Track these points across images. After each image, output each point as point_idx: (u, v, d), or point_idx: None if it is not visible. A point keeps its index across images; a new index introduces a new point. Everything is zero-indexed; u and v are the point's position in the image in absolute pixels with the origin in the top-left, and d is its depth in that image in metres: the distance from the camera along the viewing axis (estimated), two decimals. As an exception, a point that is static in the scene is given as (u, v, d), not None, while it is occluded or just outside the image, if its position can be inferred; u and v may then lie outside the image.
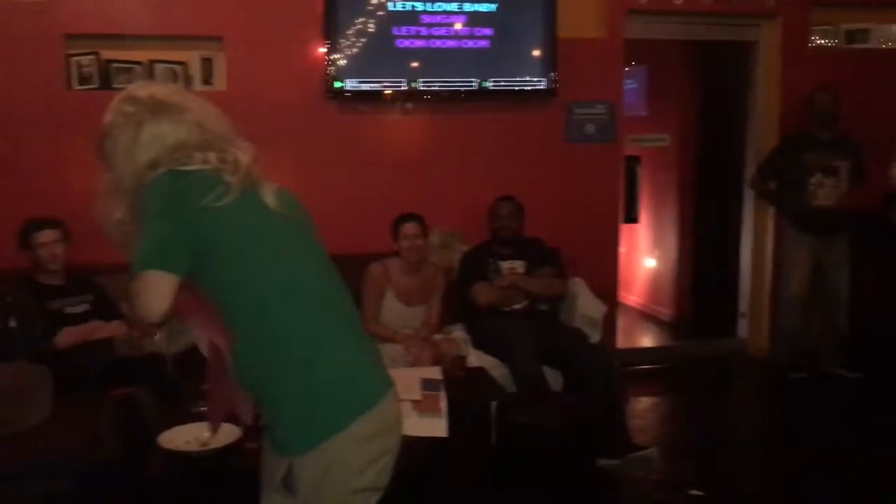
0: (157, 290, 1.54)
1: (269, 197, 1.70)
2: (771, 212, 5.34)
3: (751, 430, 4.51)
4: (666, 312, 6.51)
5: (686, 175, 6.30)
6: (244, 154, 1.70)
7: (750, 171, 5.41)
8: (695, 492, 3.45)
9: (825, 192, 4.86)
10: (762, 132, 5.38)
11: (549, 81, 4.60)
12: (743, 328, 5.67)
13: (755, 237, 5.52)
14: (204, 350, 1.77)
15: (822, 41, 5.37)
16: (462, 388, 3.28)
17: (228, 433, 2.62)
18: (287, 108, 4.30)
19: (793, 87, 5.15)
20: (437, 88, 4.47)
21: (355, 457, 1.62)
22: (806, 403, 4.67)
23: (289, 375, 1.63)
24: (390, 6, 4.36)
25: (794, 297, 5.01)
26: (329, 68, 4.32)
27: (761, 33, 5.31)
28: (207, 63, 4.37)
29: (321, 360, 1.65)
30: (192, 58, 4.34)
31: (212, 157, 1.65)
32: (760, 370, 5.34)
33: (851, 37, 5.38)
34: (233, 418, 2.41)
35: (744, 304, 5.65)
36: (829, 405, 4.56)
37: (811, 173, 4.86)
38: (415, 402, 2.96)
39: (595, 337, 4.14)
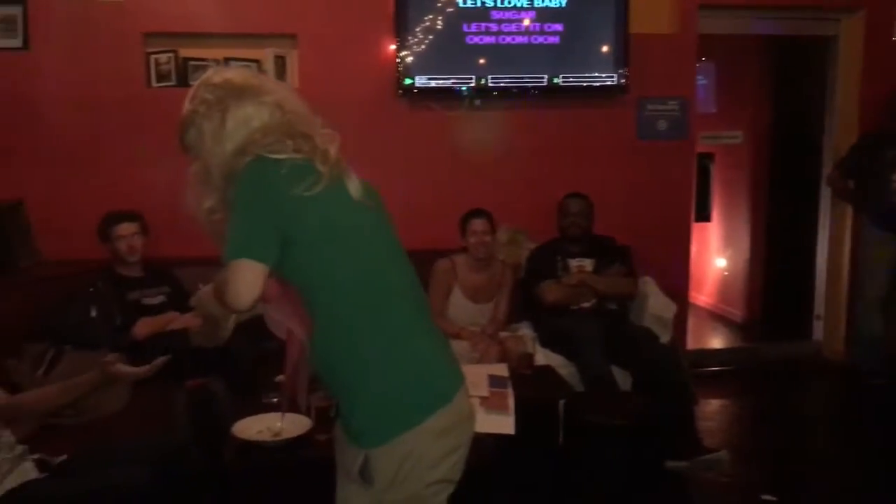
0: (247, 279, 1.55)
1: (354, 187, 1.70)
2: (849, 210, 5.18)
3: (825, 435, 4.39)
4: (737, 313, 6.37)
5: (760, 173, 6.15)
6: (330, 142, 1.70)
7: (827, 168, 5.25)
8: (767, 497, 3.37)
9: (907, 188, 4.69)
10: (840, 129, 5.21)
11: (621, 77, 4.54)
12: (818, 331, 5.51)
13: (832, 236, 5.35)
14: (280, 334, 1.78)
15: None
16: (529, 386, 3.27)
17: (300, 424, 2.66)
18: (358, 105, 4.34)
19: (874, 82, 4.98)
20: (506, 85, 4.46)
21: (430, 450, 1.63)
22: (884, 410, 4.51)
23: (367, 366, 1.64)
24: (460, 3, 4.36)
25: (874, 299, 4.84)
26: (399, 65, 4.35)
27: (842, 27, 5.15)
28: (280, 61, 4.44)
29: (400, 352, 1.66)
30: (266, 55, 4.41)
31: (303, 144, 1.65)
32: (836, 374, 5.18)
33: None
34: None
35: (819, 306, 5.49)
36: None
37: (892, 170, 4.69)
38: (482, 398, 2.95)
39: (665, 337, 4.07)
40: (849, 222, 5.19)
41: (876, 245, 4.83)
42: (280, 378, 2.83)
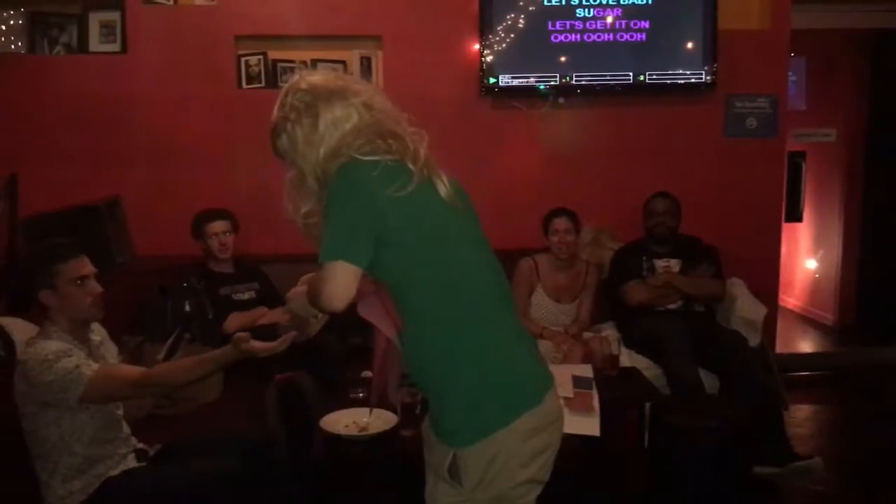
0: (342, 282, 1.58)
1: (443, 187, 1.71)
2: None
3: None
4: (828, 317, 6.16)
5: (854, 172, 5.94)
6: (420, 141, 1.71)
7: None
8: (862, 507, 3.26)
9: None
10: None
11: (708, 74, 4.44)
12: (916, 336, 5.28)
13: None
14: (372, 319, 1.79)
15: None
16: (615, 388, 3.23)
17: (386, 420, 2.70)
18: (442, 105, 4.36)
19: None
20: (590, 83, 4.41)
21: (520, 450, 1.63)
22: None
23: (458, 366, 1.64)
24: (545, 1, 4.34)
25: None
26: (483, 64, 4.35)
27: (943, 19, 4.94)
28: (366, 62, 4.50)
29: (491, 352, 1.66)
30: (352, 57, 4.47)
31: (394, 144, 1.66)
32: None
33: None
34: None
35: (917, 311, 5.27)
36: None
37: None
38: (567, 399, 2.93)
39: (754, 340, 3.97)
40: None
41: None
42: (367, 374, 2.88)
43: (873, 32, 5.42)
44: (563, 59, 4.41)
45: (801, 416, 4.37)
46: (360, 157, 1.64)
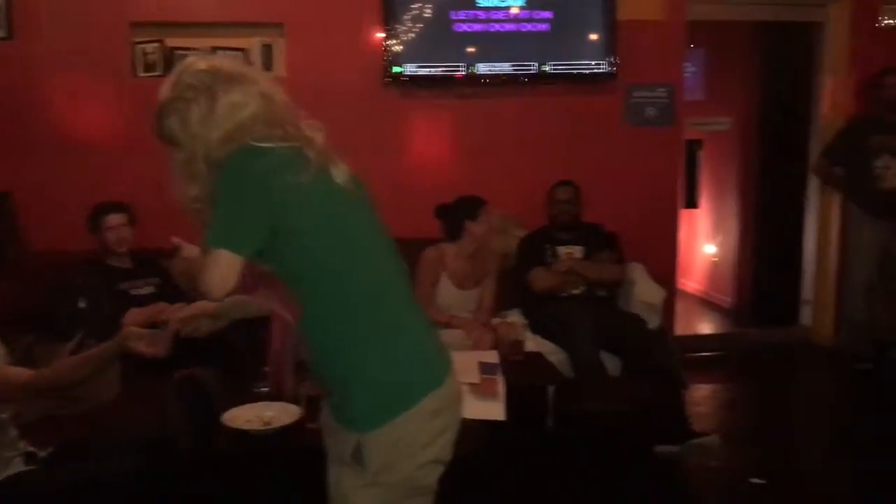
0: (223, 271, 1.56)
1: (339, 174, 1.70)
2: (836, 196, 5.20)
3: (814, 419, 4.42)
4: (726, 299, 6.41)
5: (748, 160, 6.17)
6: (316, 131, 1.70)
7: (815, 154, 5.27)
8: (756, 480, 3.40)
9: (893, 173, 4.72)
10: (829, 115, 5.23)
11: (609, 64, 4.54)
12: (806, 316, 5.54)
13: (820, 222, 5.38)
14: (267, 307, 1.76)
15: (892, 21, 5.17)
16: (520, 373, 3.28)
17: (290, 413, 2.67)
18: (346, 94, 4.33)
19: (861, 68, 5.00)
20: (496, 72, 4.45)
21: (423, 431, 1.64)
22: (872, 393, 4.55)
23: (359, 352, 1.64)
24: (447, -9, 4.36)
25: (862, 284, 4.89)
26: (387, 54, 4.34)
27: (829, 13, 5.16)
28: (268, 50, 4.42)
29: (393, 339, 1.67)
30: (253, 44, 4.39)
31: (291, 132, 1.64)
32: (825, 359, 5.23)
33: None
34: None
35: (808, 292, 5.52)
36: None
37: (878, 156, 4.73)
38: (473, 385, 2.96)
39: (654, 323, 4.10)
40: (836, 208, 5.22)
41: (863, 230, 4.87)
42: (266, 368, 2.84)
43: (766, 25, 5.63)
44: (467, 49, 4.43)
45: (700, 394, 4.53)
46: (255, 143, 1.61)
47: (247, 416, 2.71)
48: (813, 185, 5.41)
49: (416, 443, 1.64)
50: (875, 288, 4.94)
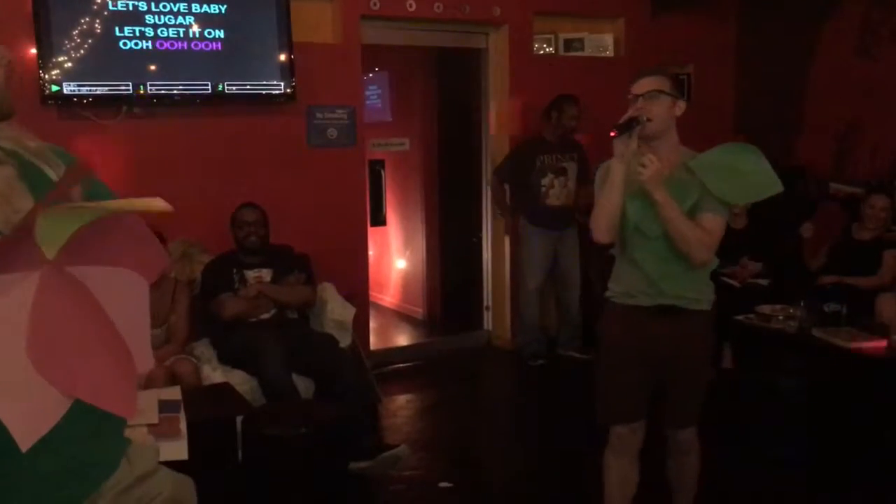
0: None
1: None
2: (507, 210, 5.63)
3: (497, 417, 4.75)
4: (419, 311, 6.67)
5: (429, 178, 6.49)
6: None
7: (488, 172, 5.68)
8: (444, 484, 3.56)
9: (556, 192, 5.23)
10: (496, 136, 5.67)
11: (288, 86, 4.53)
12: (488, 321, 5.95)
13: (494, 235, 5.81)
14: None
15: (545, 49, 5.74)
16: (205, 406, 3.14)
17: None
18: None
19: (521, 92, 5.47)
20: (166, 92, 4.25)
21: None
22: (543, 388, 5.00)
23: None
24: (110, 6, 4.07)
25: (533, 289, 5.34)
26: (44, 71, 3.96)
27: (490, 40, 5.60)
28: None
29: None
30: None
31: None
32: (506, 360, 5.63)
33: (569, 45, 5.80)
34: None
35: (488, 298, 5.93)
36: (568, 387, 4.85)
37: (543, 175, 5.20)
38: (152, 426, 2.78)
39: (345, 341, 4.15)
40: (508, 221, 5.64)
41: (532, 241, 5.33)
42: None
43: (440, 50, 5.97)
44: (135, 66, 4.18)
45: (395, 406, 4.67)
46: None
47: None
48: (488, 200, 5.83)
49: None
50: (545, 293, 5.44)
